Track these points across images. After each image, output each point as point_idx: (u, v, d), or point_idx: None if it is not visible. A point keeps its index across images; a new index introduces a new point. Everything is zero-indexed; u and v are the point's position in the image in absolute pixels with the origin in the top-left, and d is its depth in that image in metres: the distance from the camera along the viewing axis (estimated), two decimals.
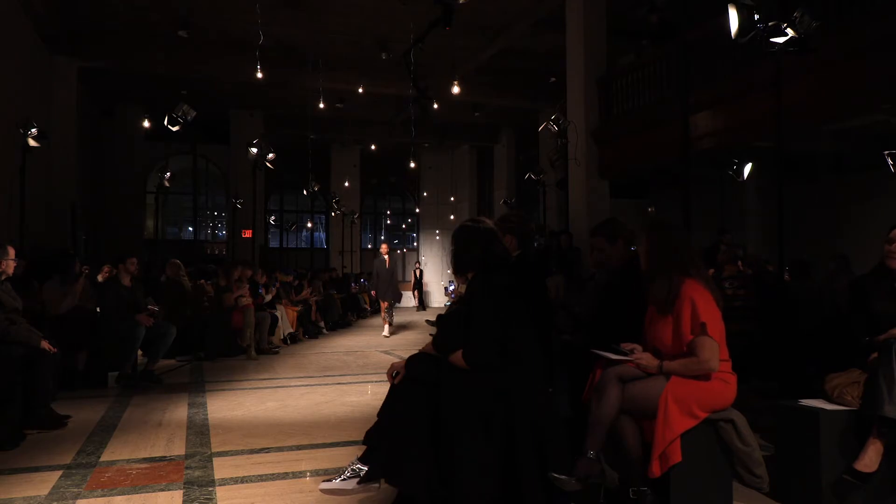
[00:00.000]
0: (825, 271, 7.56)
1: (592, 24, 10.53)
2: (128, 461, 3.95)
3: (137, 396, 6.02)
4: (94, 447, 4.27)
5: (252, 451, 4.16)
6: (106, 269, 7.40)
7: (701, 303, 2.85)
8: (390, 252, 12.35)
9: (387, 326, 11.87)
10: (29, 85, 10.87)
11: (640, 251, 3.14)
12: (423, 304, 21.49)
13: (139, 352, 6.89)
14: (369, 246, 23.75)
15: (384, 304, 11.91)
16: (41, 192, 10.64)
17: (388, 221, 25.09)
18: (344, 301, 14.47)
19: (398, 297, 12.44)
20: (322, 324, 12.44)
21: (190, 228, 21.60)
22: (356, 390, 6.42)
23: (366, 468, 2.86)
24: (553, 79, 13.31)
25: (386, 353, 9.44)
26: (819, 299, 6.65)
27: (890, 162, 8.15)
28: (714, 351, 2.82)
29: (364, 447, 2.97)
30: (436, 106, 13.49)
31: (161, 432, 4.67)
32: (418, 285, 21.94)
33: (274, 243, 22.33)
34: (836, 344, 4.12)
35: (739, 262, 6.66)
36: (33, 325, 5.06)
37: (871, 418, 2.95)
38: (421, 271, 22.47)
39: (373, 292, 12.93)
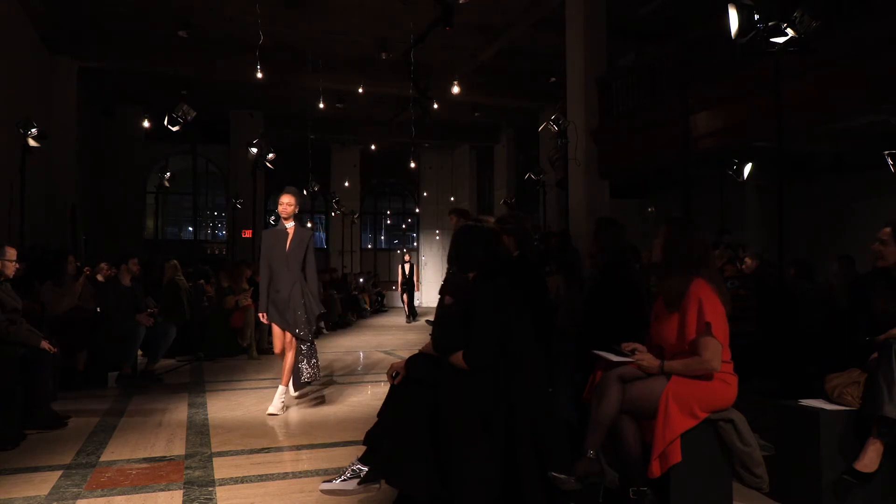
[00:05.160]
0: (827, 272, 7.55)
1: (592, 24, 10.53)
2: (128, 461, 3.95)
3: (137, 396, 6.02)
4: (94, 447, 4.27)
5: (252, 451, 4.16)
6: (104, 266, 7.32)
7: (707, 303, 2.85)
8: (302, 216, 5.62)
9: (283, 390, 5.33)
10: (29, 85, 10.87)
11: (654, 245, 3.14)
12: (413, 312, 15.74)
13: (139, 352, 6.89)
14: (369, 246, 23.74)
15: (281, 339, 5.37)
16: (41, 192, 10.63)
17: (388, 221, 25.11)
18: (344, 301, 14.47)
19: (310, 323, 5.43)
20: (322, 324, 12.43)
21: (190, 228, 21.60)
22: (356, 390, 6.41)
23: (366, 469, 2.86)
24: (553, 79, 13.30)
25: (386, 353, 9.44)
26: (819, 299, 6.65)
27: (890, 162, 8.15)
28: (717, 351, 2.82)
29: (364, 447, 2.98)
30: (436, 106, 13.51)
31: (161, 432, 4.67)
32: (408, 286, 15.75)
33: None
34: (836, 344, 4.12)
35: (737, 262, 6.67)
36: (33, 326, 5.07)
37: (871, 418, 2.95)
38: (411, 266, 16.01)
39: (261, 315, 5.47)
